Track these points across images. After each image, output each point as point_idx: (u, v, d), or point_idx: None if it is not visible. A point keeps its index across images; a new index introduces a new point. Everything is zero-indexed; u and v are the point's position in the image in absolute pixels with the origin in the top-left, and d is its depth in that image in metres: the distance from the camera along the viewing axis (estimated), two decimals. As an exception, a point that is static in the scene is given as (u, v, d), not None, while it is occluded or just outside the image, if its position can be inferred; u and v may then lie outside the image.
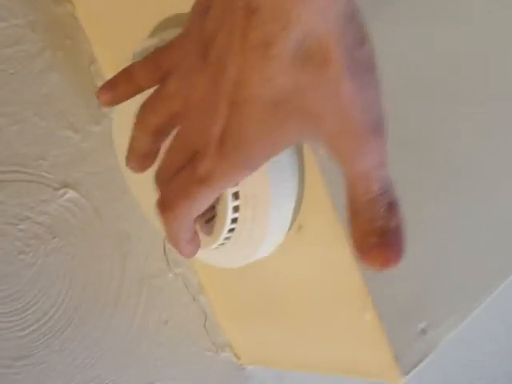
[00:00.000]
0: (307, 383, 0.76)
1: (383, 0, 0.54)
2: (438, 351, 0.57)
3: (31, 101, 0.62)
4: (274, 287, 0.60)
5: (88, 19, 0.65)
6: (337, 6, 0.33)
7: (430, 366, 0.56)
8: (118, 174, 0.63)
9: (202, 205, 0.42)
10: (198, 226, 0.53)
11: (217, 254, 0.56)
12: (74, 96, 0.64)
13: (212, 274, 0.67)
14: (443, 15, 0.59)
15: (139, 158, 0.46)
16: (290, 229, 0.54)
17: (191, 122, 0.40)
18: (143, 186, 0.58)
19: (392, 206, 0.38)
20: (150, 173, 0.56)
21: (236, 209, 0.51)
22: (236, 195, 0.51)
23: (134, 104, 0.54)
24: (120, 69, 0.47)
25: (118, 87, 0.46)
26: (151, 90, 0.45)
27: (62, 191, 0.62)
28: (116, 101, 0.47)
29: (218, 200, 0.51)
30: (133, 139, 0.46)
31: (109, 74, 0.65)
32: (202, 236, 0.53)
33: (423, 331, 0.55)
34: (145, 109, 0.44)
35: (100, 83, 0.65)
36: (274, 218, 0.51)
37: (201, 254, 0.58)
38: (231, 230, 0.53)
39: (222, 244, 0.54)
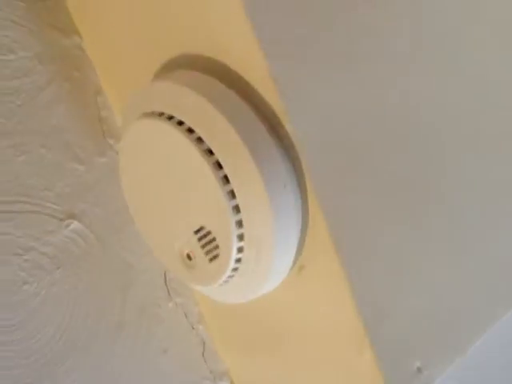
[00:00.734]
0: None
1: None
2: None
3: (38, 132, 0.63)
4: (273, 323, 0.61)
5: (95, 51, 0.66)
6: None
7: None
8: (122, 205, 0.64)
9: None
10: (200, 264, 0.54)
11: (220, 291, 0.57)
12: (80, 127, 0.65)
13: (212, 304, 0.69)
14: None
15: None
16: (292, 267, 0.56)
17: None
18: (147, 218, 0.59)
19: None
20: (154, 205, 0.57)
21: (240, 249, 0.52)
22: (241, 237, 0.52)
23: (140, 140, 0.55)
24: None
25: None
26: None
27: (66, 222, 0.63)
28: None
29: (222, 240, 0.52)
30: None
31: (115, 106, 0.66)
32: (204, 274, 0.55)
33: (419, 370, 0.57)
34: None
35: (106, 115, 0.66)
36: (276, 258, 0.53)
37: (203, 289, 0.60)
38: (235, 270, 0.54)
39: (225, 282, 0.55)
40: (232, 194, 0.50)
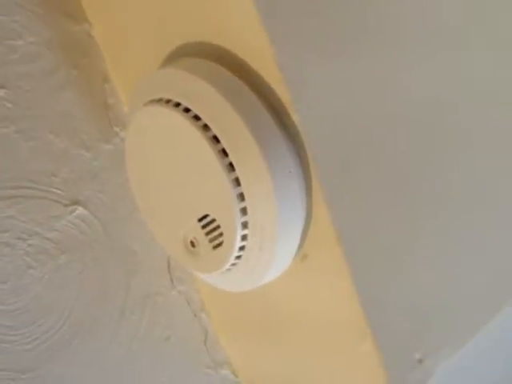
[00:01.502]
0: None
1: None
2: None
3: (45, 118, 0.63)
4: (275, 311, 0.61)
5: (104, 38, 0.66)
6: None
7: None
8: (127, 192, 0.65)
9: None
10: (204, 252, 0.55)
11: (222, 279, 0.58)
12: (87, 114, 0.65)
13: (215, 293, 0.69)
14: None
15: None
16: (295, 256, 0.56)
17: None
18: (152, 205, 0.59)
19: None
20: (159, 192, 0.57)
21: (244, 237, 0.53)
22: (245, 224, 0.52)
23: (146, 127, 0.55)
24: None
25: None
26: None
27: (71, 208, 0.64)
28: None
29: (226, 227, 0.52)
30: None
31: (122, 94, 0.67)
32: (208, 261, 0.55)
33: (420, 361, 0.57)
34: None
35: (113, 102, 0.66)
36: (280, 247, 0.53)
37: (207, 277, 0.60)
38: (238, 257, 0.54)
39: (228, 270, 0.55)
40: (237, 182, 0.51)
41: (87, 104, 0.65)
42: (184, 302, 0.69)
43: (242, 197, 0.51)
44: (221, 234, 0.53)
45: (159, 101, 0.54)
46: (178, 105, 0.52)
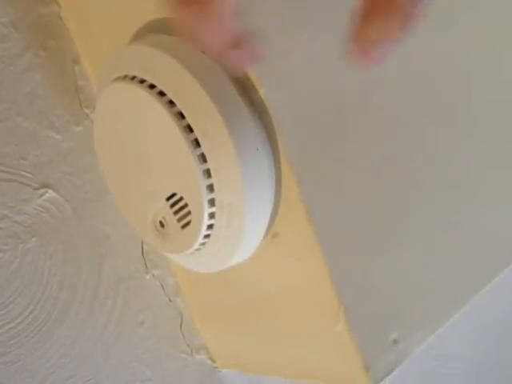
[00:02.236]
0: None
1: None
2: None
3: (13, 100, 0.62)
4: (248, 292, 0.61)
5: (73, 20, 0.65)
6: None
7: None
8: (98, 174, 0.64)
9: None
10: (173, 231, 0.54)
11: (193, 259, 0.57)
12: (56, 96, 0.64)
13: (189, 276, 0.68)
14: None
15: None
16: (266, 235, 0.55)
17: None
18: (121, 186, 0.58)
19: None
20: (127, 173, 0.56)
21: (212, 215, 0.52)
22: (212, 202, 0.51)
23: (113, 105, 0.55)
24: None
25: None
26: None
27: (41, 191, 0.62)
28: None
29: (194, 206, 0.51)
30: None
31: (93, 75, 0.66)
32: (177, 241, 0.54)
33: (395, 342, 0.56)
34: None
35: (83, 84, 0.65)
36: (249, 225, 0.52)
37: (177, 258, 0.59)
38: (207, 236, 0.53)
39: (198, 249, 0.54)
40: (203, 158, 0.50)
41: (57, 86, 0.64)
42: (158, 286, 0.68)
43: (208, 173, 0.50)
44: (189, 213, 0.52)
45: (125, 78, 0.53)
46: (143, 81, 0.51)
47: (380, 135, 0.56)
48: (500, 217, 0.65)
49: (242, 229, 0.52)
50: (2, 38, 0.61)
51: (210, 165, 0.50)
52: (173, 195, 0.53)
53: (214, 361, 0.72)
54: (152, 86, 0.51)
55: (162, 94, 0.50)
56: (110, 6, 0.59)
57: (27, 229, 0.62)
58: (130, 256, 0.67)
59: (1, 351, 0.60)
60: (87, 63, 0.66)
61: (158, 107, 0.50)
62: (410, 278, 0.58)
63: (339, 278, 0.53)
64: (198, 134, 0.49)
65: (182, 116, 0.50)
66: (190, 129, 0.49)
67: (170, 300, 0.69)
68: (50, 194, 0.63)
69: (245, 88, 0.50)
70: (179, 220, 0.53)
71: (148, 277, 0.68)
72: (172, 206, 0.53)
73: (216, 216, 0.52)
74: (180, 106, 0.50)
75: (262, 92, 0.49)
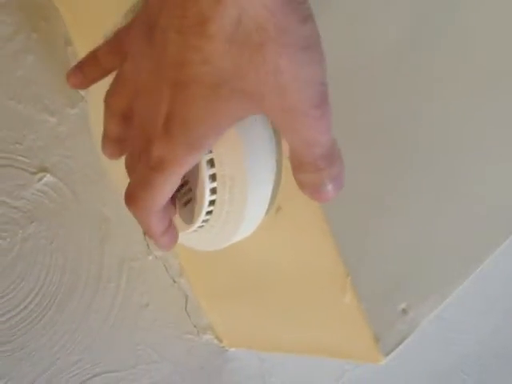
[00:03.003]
0: (289, 365, 0.77)
1: None
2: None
3: (6, 84, 0.61)
4: (253, 269, 0.60)
5: (63, 1, 0.64)
6: None
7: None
8: (95, 157, 0.63)
9: (164, 193, 0.42)
10: (176, 210, 0.53)
11: (196, 237, 0.56)
12: (50, 79, 0.63)
13: (192, 256, 0.67)
14: None
15: (112, 144, 0.46)
16: (269, 210, 0.54)
17: (141, 106, 0.40)
18: (120, 169, 0.57)
19: (332, 163, 0.41)
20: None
21: (213, 191, 0.51)
22: (213, 177, 0.50)
23: (107, 83, 0.53)
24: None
25: (86, 70, 0.46)
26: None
27: (39, 175, 0.62)
28: (84, 84, 0.47)
29: (195, 183, 0.51)
30: (104, 124, 0.45)
31: (85, 56, 0.64)
32: (180, 219, 0.53)
33: (404, 311, 0.55)
34: (109, 92, 0.44)
35: (76, 65, 0.64)
36: (251, 199, 0.51)
37: (180, 237, 0.58)
38: (209, 213, 0.52)
39: (201, 227, 0.53)
40: (201, 132, 0.49)
41: (50, 68, 0.63)
42: (162, 268, 0.68)
43: (208, 148, 0.49)
44: (190, 190, 0.51)
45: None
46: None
47: (379, 105, 0.55)
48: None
49: (244, 203, 0.51)
50: (-7, 22, 0.61)
51: (209, 139, 0.49)
52: (173, 172, 0.52)
53: (220, 340, 0.71)
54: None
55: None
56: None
57: (26, 214, 0.61)
58: (132, 238, 0.66)
59: (4, 339, 0.59)
60: (79, 44, 0.64)
61: (154, 82, 0.49)
62: (417, 247, 0.57)
63: (346, 248, 0.52)
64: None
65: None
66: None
67: (174, 281, 0.68)
68: (48, 178, 0.62)
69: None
70: (180, 198, 0.52)
71: (151, 258, 0.67)
72: (173, 183, 0.52)
73: (218, 191, 0.51)
74: (176, 81, 0.49)
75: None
